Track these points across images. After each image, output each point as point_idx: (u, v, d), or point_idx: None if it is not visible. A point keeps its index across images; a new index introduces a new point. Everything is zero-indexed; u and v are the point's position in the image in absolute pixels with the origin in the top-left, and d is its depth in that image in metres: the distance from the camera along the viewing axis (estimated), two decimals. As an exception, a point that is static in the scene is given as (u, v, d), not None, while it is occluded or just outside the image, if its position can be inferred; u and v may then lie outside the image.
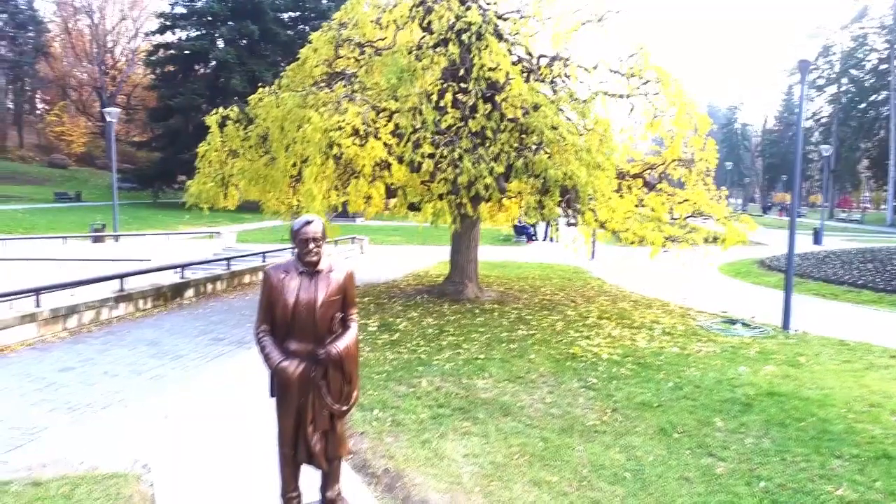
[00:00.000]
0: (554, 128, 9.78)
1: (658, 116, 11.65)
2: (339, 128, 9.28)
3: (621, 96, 11.69)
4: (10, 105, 64.53)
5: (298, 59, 12.40)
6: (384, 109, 10.02)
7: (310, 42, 12.18)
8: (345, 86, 10.61)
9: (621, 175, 12.16)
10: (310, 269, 3.88)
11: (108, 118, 24.82)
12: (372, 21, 11.58)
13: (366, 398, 6.63)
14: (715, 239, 12.46)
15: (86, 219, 28.41)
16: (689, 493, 4.67)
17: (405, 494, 4.63)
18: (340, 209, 11.22)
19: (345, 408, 3.98)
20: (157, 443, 5.53)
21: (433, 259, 20.12)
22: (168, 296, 12.34)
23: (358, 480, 4.87)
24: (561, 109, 10.75)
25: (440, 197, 10.16)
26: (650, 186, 12.65)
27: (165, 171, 48.79)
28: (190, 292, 13.05)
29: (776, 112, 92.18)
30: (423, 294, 13.48)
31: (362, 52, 11.75)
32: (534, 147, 10.28)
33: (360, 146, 9.43)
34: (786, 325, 10.87)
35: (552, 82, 11.37)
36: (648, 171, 13.08)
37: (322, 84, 11.30)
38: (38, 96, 70.61)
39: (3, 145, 61.39)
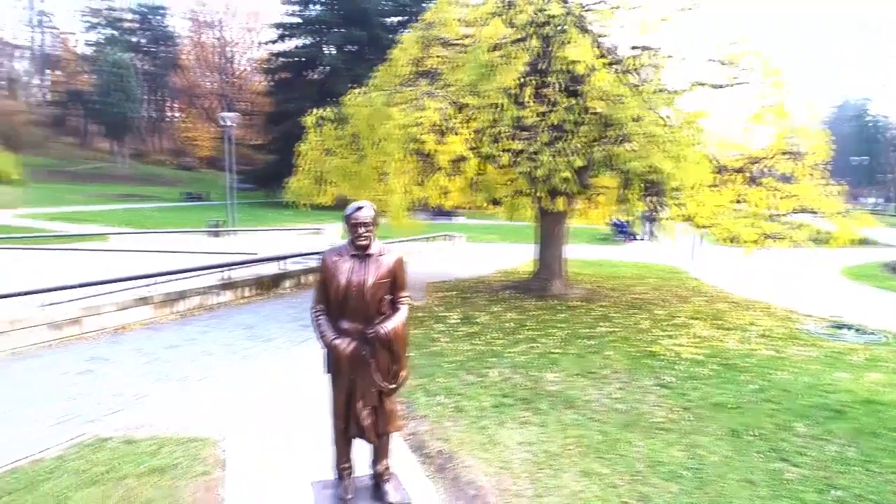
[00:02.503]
0: (636, 119, 9.47)
1: (762, 106, 10.97)
2: (418, 124, 9.53)
3: (718, 86, 11.12)
4: (149, 114, 71.41)
5: (387, 59, 12.83)
6: (465, 105, 10.15)
7: (400, 42, 12.57)
8: (428, 83, 10.86)
9: (720, 169, 11.55)
10: (360, 253, 4.07)
11: (225, 122, 26.86)
12: (458, 19, 11.74)
13: (433, 385, 6.82)
14: (828, 239, 11.52)
15: (209, 216, 30.92)
16: (750, 495, 4.43)
17: (454, 475, 4.74)
18: (420, 204, 11.47)
19: (392, 386, 4.13)
20: (238, 414, 6.02)
21: (525, 257, 19.97)
22: (268, 285, 13.21)
23: (413, 459, 5.05)
24: (646, 100, 10.39)
25: (519, 192, 10.16)
26: (753, 180, 11.90)
27: (280, 172, 51.55)
28: (288, 283, 13.88)
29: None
30: (509, 289, 13.49)
31: (448, 50, 11.95)
32: (616, 139, 10.01)
33: (440, 142, 9.62)
34: (904, 332, 9.90)
35: (638, 73, 11.01)
36: (752, 164, 12.31)
37: (409, 83, 11.62)
38: (170, 105, 77.61)
39: (143, 150, 68.24)
